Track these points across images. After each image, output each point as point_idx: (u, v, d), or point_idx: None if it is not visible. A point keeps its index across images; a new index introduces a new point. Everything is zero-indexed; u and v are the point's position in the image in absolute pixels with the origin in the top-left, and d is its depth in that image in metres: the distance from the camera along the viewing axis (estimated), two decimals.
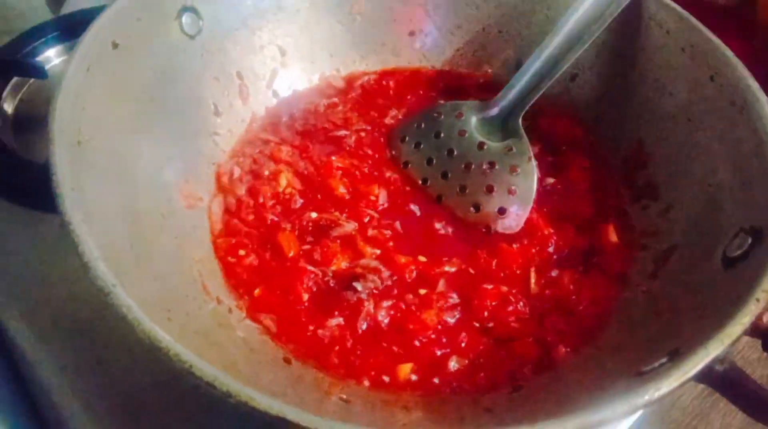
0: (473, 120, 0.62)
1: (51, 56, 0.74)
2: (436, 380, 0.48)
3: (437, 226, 0.58)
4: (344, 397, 0.45)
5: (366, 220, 0.57)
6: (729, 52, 0.53)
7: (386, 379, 0.48)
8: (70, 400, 0.53)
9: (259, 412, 0.33)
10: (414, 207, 0.59)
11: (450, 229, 0.57)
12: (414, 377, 0.48)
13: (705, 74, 0.54)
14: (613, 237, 0.56)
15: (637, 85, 0.61)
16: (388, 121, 0.66)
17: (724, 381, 0.38)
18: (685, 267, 0.49)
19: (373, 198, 0.59)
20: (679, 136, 0.56)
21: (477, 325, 0.51)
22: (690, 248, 0.50)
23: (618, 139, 0.62)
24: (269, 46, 0.65)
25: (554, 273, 0.54)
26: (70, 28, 0.74)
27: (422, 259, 0.55)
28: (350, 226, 0.56)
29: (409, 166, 0.62)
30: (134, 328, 0.35)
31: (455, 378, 0.48)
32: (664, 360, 0.38)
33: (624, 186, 0.60)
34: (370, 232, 0.56)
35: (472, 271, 0.54)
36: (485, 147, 0.60)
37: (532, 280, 0.54)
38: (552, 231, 0.57)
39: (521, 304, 0.52)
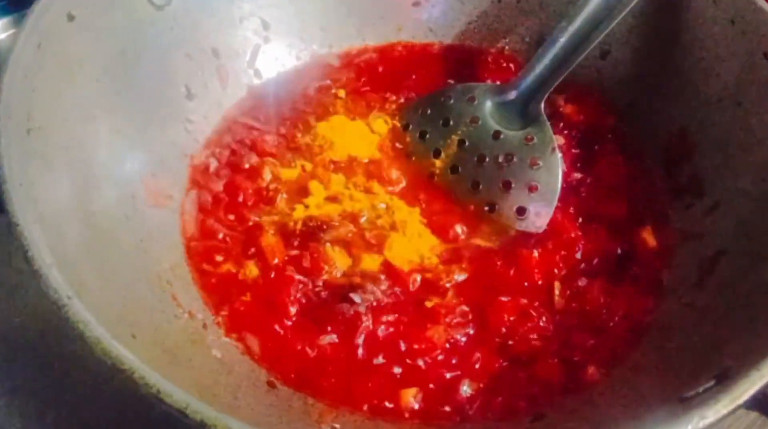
0: (488, 105, 0.62)
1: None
2: (445, 408, 0.48)
3: (446, 229, 0.58)
4: (337, 426, 0.46)
5: (363, 220, 0.57)
6: None
7: (389, 405, 0.48)
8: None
9: None
10: (419, 205, 0.59)
11: (460, 231, 0.57)
12: (418, 404, 0.48)
13: (758, 51, 0.54)
14: (651, 241, 0.56)
15: (679, 64, 0.61)
16: (388, 106, 0.66)
17: None
18: (734, 275, 0.49)
19: (372, 195, 0.59)
20: (728, 123, 0.56)
21: (493, 343, 0.51)
22: (740, 254, 0.50)
23: (656, 128, 0.62)
24: (251, 18, 0.66)
25: (582, 283, 0.54)
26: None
27: (429, 266, 0.55)
28: (345, 228, 0.56)
29: (413, 158, 0.62)
30: (93, 346, 0.35)
31: (467, 404, 0.48)
32: (710, 384, 0.38)
33: (664, 181, 0.60)
34: (368, 234, 0.56)
35: (486, 280, 0.54)
36: (501, 136, 0.60)
37: (557, 292, 0.54)
38: (579, 234, 0.57)
39: (544, 319, 0.52)
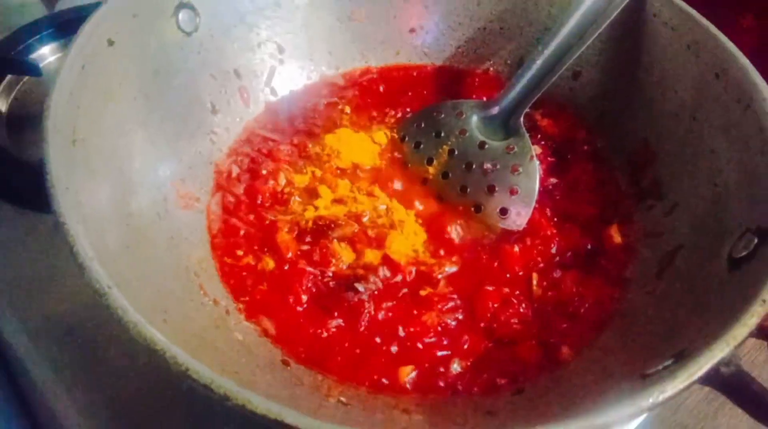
0: (474, 119, 0.62)
1: (45, 54, 0.74)
2: (438, 383, 0.48)
3: (437, 227, 0.58)
4: (343, 400, 0.45)
5: (365, 220, 0.57)
6: (734, 49, 0.52)
7: (385, 381, 0.48)
8: (64, 402, 0.53)
9: (256, 415, 0.33)
10: (415, 207, 0.59)
11: (451, 229, 0.57)
12: (414, 380, 0.48)
13: (710, 72, 0.53)
14: (617, 238, 0.56)
15: (642, 83, 0.61)
16: (388, 119, 0.66)
17: (730, 384, 0.38)
18: (689, 268, 0.49)
19: (373, 198, 0.59)
20: (684, 135, 0.56)
21: (479, 327, 0.51)
22: (695, 249, 0.50)
23: (622, 138, 0.62)
24: (267, 44, 0.65)
25: (557, 274, 0.54)
26: (64, 25, 0.74)
27: (423, 259, 0.55)
28: (350, 227, 0.56)
29: (409, 165, 0.62)
30: (130, 330, 0.35)
31: (457, 380, 0.48)
32: (668, 362, 0.38)
33: (628, 186, 0.60)
34: (370, 232, 0.56)
35: (473, 272, 0.54)
36: (486, 146, 0.60)
37: (535, 282, 0.54)
38: (555, 232, 0.57)
39: (523, 306, 0.52)
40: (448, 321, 0.51)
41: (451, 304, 0.52)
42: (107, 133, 0.47)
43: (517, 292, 0.53)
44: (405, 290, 0.53)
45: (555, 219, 0.58)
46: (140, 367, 0.50)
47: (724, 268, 0.45)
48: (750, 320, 0.37)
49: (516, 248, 0.55)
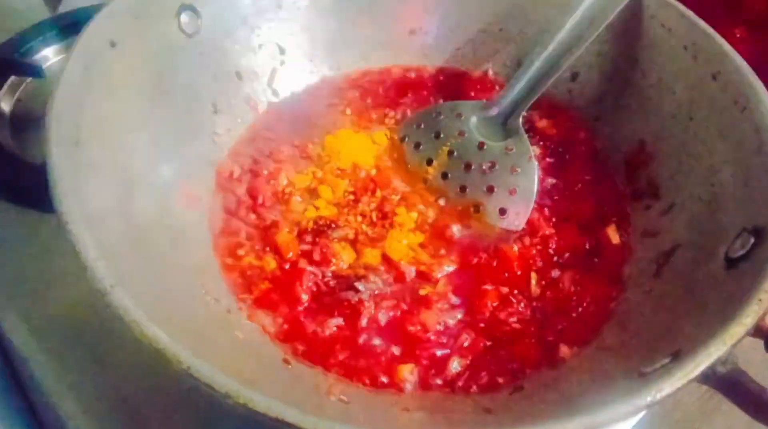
0: (473, 120, 0.61)
1: (48, 55, 0.73)
2: (437, 381, 0.48)
3: (435, 227, 0.58)
4: (344, 398, 0.45)
5: (366, 219, 0.57)
6: (732, 51, 0.52)
7: (385, 380, 0.48)
8: (68, 402, 0.53)
9: (258, 413, 0.33)
10: (415, 207, 0.59)
11: (451, 229, 0.57)
12: (414, 378, 0.48)
13: (707, 73, 0.53)
14: (615, 237, 0.56)
15: (639, 85, 0.61)
16: (388, 120, 0.66)
17: (726, 382, 0.38)
18: (686, 267, 0.49)
19: (373, 198, 0.59)
20: (681, 135, 0.56)
21: (478, 326, 0.51)
22: (692, 248, 0.50)
23: (619, 139, 0.62)
24: (268, 45, 0.65)
25: (555, 274, 0.54)
26: (67, 27, 0.73)
27: (422, 259, 0.55)
28: (350, 227, 0.56)
29: (409, 166, 0.62)
30: (132, 329, 0.35)
31: (456, 379, 0.48)
32: (666, 361, 0.38)
33: (625, 186, 0.60)
34: (370, 232, 0.56)
35: (472, 271, 0.54)
36: (485, 147, 0.60)
37: (533, 281, 0.54)
38: (553, 231, 0.57)
39: (522, 305, 0.52)
40: (448, 320, 0.51)
41: (450, 303, 0.52)
42: (110, 133, 0.47)
43: (516, 292, 0.53)
44: (404, 289, 0.53)
45: (553, 219, 0.58)
46: (145, 367, 0.50)
47: (720, 268, 0.45)
48: (746, 319, 0.37)
49: (515, 248, 0.55)
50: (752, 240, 0.43)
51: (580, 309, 0.52)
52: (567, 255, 0.56)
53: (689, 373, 0.36)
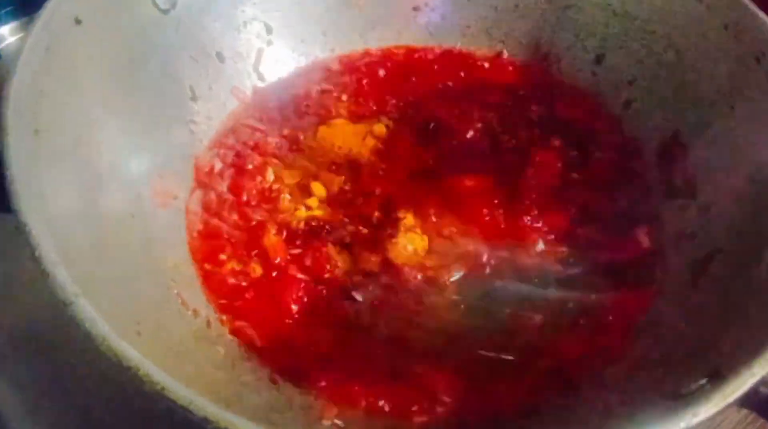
0: None
1: (4, 34, 0.73)
2: (439, 409, 0.48)
3: (443, 228, 0.58)
4: (339, 423, 0.45)
5: (363, 220, 0.57)
6: None
7: (385, 406, 0.48)
8: (29, 426, 0.53)
9: None
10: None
11: (456, 230, 0.57)
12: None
13: (750, 55, 0.54)
14: (645, 241, 0.56)
15: (673, 68, 0.61)
16: (389, 109, 0.66)
17: None
18: (726, 275, 0.49)
19: (372, 196, 0.59)
20: (721, 126, 0.56)
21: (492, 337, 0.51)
22: (732, 254, 0.50)
23: (650, 130, 0.62)
24: (254, 23, 0.65)
25: (577, 281, 0.54)
26: (26, 3, 0.73)
27: (428, 264, 0.55)
28: (346, 228, 0.56)
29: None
30: (99, 344, 0.35)
31: (463, 401, 0.48)
32: (702, 381, 0.38)
33: (658, 183, 0.60)
34: (368, 234, 0.56)
35: (482, 277, 0.54)
36: None
37: (553, 289, 0.54)
38: (575, 234, 0.56)
39: (539, 316, 0.52)
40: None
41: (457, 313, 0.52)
42: (74, 121, 0.47)
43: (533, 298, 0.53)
44: (407, 298, 0.53)
45: (575, 220, 0.58)
46: (113, 385, 0.50)
47: (764, 276, 0.45)
48: None
49: (538, 247, 0.55)
50: None
51: (604, 322, 0.52)
52: (590, 260, 0.55)
53: (729, 395, 0.36)
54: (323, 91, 0.66)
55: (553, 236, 0.57)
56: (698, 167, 0.57)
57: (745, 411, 0.39)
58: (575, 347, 0.51)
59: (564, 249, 0.56)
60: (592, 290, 0.53)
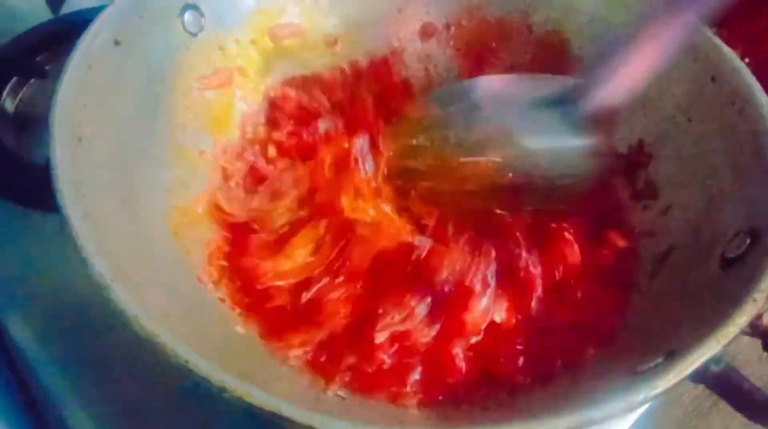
0: None
1: (51, 56, 0.74)
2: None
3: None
4: (342, 394, 0.46)
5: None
6: (731, 53, 0.53)
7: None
8: (69, 400, 0.54)
9: (254, 407, 0.33)
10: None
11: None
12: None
13: (706, 75, 0.54)
14: (620, 241, 0.55)
15: None
16: None
17: (720, 381, 0.39)
18: (682, 268, 0.50)
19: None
20: (680, 136, 0.56)
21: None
22: (688, 249, 0.50)
23: (619, 140, 0.61)
24: None
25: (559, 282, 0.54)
26: (70, 28, 0.74)
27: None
28: None
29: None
30: (132, 323, 0.36)
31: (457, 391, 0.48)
32: (660, 360, 0.39)
33: (624, 187, 0.60)
34: None
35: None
36: None
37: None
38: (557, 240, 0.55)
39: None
40: None
41: None
42: (113, 130, 0.48)
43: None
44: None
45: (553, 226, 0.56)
46: (146, 366, 0.51)
47: (716, 268, 0.45)
48: (740, 319, 0.38)
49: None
50: (748, 241, 0.44)
51: (584, 319, 0.52)
52: (571, 262, 0.54)
53: (682, 371, 0.36)
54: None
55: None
56: (660, 173, 0.57)
57: (702, 386, 0.39)
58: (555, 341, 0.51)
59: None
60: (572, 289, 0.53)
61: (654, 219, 0.56)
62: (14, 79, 0.72)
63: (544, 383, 0.47)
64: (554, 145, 0.49)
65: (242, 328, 0.49)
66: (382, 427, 0.43)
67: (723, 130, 0.52)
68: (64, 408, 0.54)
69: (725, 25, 0.57)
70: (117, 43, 0.50)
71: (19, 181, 0.65)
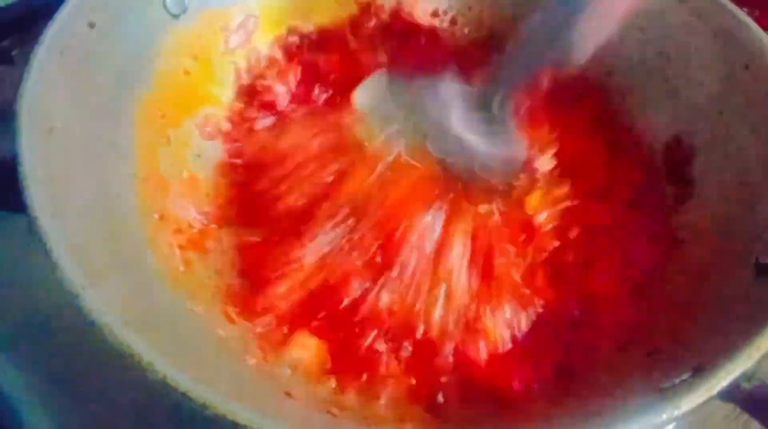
0: None
1: (19, 40, 0.74)
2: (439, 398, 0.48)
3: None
4: (335, 412, 0.45)
5: None
6: (766, 38, 0.53)
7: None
8: (39, 418, 0.54)
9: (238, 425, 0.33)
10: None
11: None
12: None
13: (739, 62, 0.54)
14: (651, 245, 0.55)
15: (666, 74, 0.60)
16: None
17: (752, 399, 0.38)
18: (715, 275, 0.49)
19: None
20: (711, 131, 0.56)
21: None
22: (720, 254, 0.50)
23: (650, 135, 0.61)
24: None
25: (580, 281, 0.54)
26: (39, 10, 0.73)
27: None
28: None
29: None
30: (105, 333, 0.36)
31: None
32: (686, 375, 0.39)
33: (665, 186, 0.59)
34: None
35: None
36: None
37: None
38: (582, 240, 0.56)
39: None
40: None
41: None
42: (87, 121, 0.48)
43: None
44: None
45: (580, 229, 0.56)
46: (121, 381, 0.50)
47: (750, 275, 0.45)
48: None
49: None
50: None
51: (602, 319, 0.52)
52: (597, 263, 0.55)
53: (710, 389, 0.36)
54: None
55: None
56: (695, 170, 0.57)
57: (731, 405, 0.39)
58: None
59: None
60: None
61: (686, 221, 0.55)
62: None
63: (557, 399, 0.47)
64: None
65: (224, 331, 0.48)
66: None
67: (757, 124, 0.51)
68: (32, 426, 0.54)
69: (758, 4, 0.57)
70: (91, 25, 0.50)
71: None
